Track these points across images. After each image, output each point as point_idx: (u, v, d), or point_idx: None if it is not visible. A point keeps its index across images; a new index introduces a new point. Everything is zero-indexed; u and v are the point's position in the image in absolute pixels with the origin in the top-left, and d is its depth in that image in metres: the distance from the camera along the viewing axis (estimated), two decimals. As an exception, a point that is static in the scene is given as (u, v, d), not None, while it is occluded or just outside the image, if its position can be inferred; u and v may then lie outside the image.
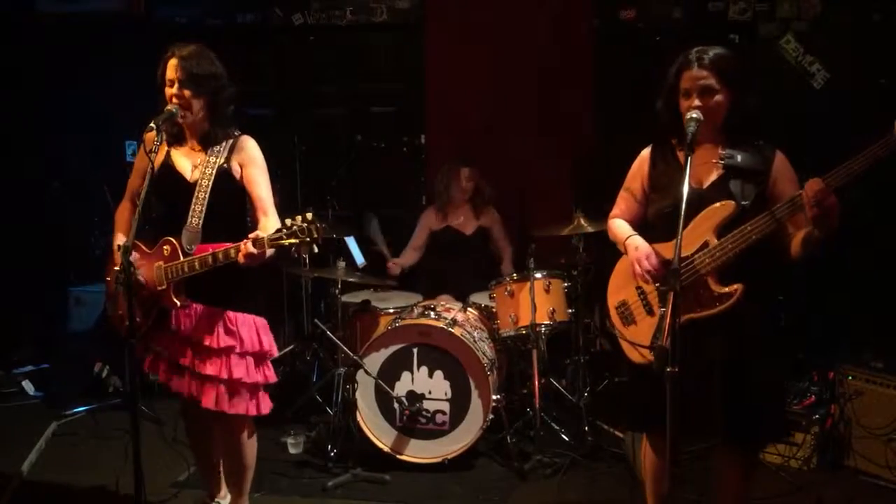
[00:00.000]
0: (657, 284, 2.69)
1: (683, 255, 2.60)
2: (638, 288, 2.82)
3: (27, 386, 5.25)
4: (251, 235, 2.77)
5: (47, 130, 5.86)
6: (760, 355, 2.65)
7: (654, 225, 2.83)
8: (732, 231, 2.57)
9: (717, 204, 2.61)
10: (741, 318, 2.60)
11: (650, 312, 2.77)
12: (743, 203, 2.59)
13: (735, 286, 2.56)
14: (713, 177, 2.68)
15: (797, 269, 3.03)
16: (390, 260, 5.14)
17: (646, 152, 2.89)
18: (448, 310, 4.35)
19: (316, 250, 2.74)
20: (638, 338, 2.77)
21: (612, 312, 2.91)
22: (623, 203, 2.96)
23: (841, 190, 2.40)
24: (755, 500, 3.58)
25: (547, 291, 4.27)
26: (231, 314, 3.03)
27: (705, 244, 2.60)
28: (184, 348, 3.03)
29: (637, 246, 2.76)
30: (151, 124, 2.89)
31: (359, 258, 4.99)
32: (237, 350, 3.02)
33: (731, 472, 2.81)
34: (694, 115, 2.56)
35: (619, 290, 2.90)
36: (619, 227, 2.91)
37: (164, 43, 3.05)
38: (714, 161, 2.67)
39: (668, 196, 2.73)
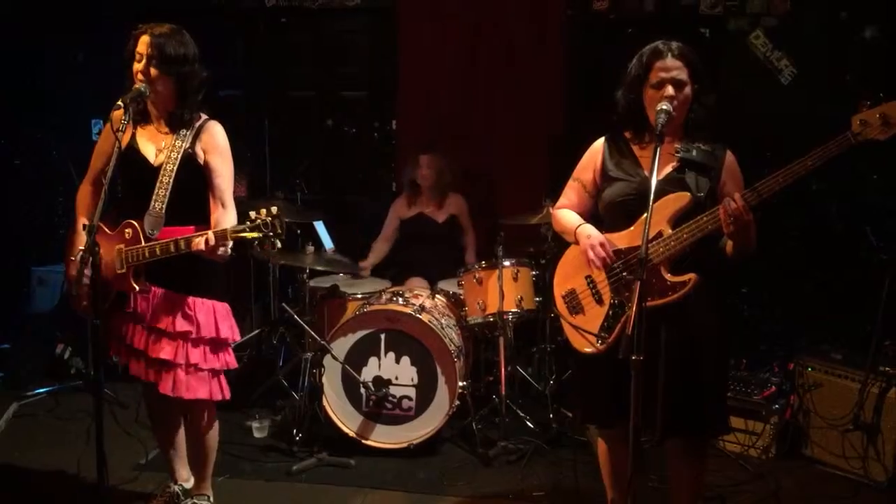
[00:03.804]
0: (617, 273, 2.71)
1: (636, 244, 2.61)
2: (587, 277, 2.81)
3: (-13, 366, 5.17)
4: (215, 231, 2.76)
5: (11, 108, 5.74)
6: (707, 350, 2.67)
7: (604, 216, 2.84)
8: (688, 222, 2.59)
9: (673, 195, 2.62)
10: (691, 311, 2.62)
11: (599, 302, 2.77)
12: (698, 195, 2.62)
13: (689, 276, 2.58)
14: (668, 169, 2.70)
15: (760, 262, 3.08)
16: (359, 265, 5.05)
17: (599, 143, 2.89)
18: (416, 296, 4.36)
19: (279, 246, 2.72)
20: (585, 326, 2.78)
21: (559, 301, 2.89)
22: (573, 194, 2.94)
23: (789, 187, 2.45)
24: (715, 487, 3.66)
25: (515, 279, 4.29)
26: (190, 299, 3.00)
27: (659, 234, 2.62)
28: (140, 332, 3.01)
29: (589, 234, 2.76)
30: (119, 102, 2.83)
31: (328, 243, 4.96)
32: (193, 335, 2.99)
33: (680, 463, 2.83)
34: (665, 107, 2.57)
35: (566, 279, 2.89)
36: (568, 216, 2.90)
37: (133, 20, 3.00)
38: (670, 154, 2.69)
39: (621, 187, 2.75)
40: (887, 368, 3.85)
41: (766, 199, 2.49)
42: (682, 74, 2.63)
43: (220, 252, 2.77)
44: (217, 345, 3.07)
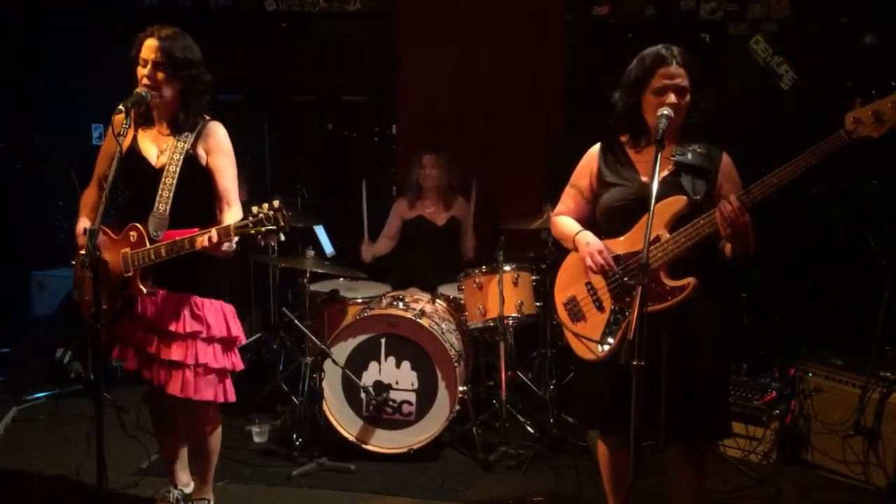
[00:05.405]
0: (617, 279, 2.70)
1: (634, 249, 2.62)
2: (587, 284, 2.80)
3: (-14, 370, 5.16)
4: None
5: (11, 112, 5.74)
6: (707, 355, 2.66)
7: (601, 221, 2.84)
8: (685, 225, 2.59)
9: (669, 199, 2.62)
10: (691, 316, 2.61)
11: (600, 308, 2.77)
12: (695, 198, 2.62)
13: (688, 280, 2.57)
14: (664, 172, 2.68)
15: (760, 267, 3.08)
16: (364, 242, 5.09)
17: (594, 149, 2.89)
18: (416, 301, 4.35)
19: (283, 238, 2.73)
20: (587, 334, 2.77)
21: (560, 309, 2.89)
22: (570, 200, 2.94)
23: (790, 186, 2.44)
24: (716, 493, 3.65)
25: (515, 284, 4.29)
26: (198, 299, 3.01)
27: (657, 238, 2.62)
28: (150, 335, 3.00)
29: (588, 241, 2.76)
30: (120, 107, 2.83)
31: (328, 247, 4.97)
32: (203, 335, 2.99)
33: (680, 468, 2.82)
34: (665, 113, 2.58)
35: (567, 286, 2.89)
36: (566, 223, 2.90)
37: (133, 25, 3.00)
38: (666, 157, 2.69)
39: (618, 192, 2.75)
40: (888, 373, 3.85)
41: (761, 201, 2.49)
42: (685, 82, 2.64)
43: (224, 248, 2.78)
44: (227, 344, 3.08)
